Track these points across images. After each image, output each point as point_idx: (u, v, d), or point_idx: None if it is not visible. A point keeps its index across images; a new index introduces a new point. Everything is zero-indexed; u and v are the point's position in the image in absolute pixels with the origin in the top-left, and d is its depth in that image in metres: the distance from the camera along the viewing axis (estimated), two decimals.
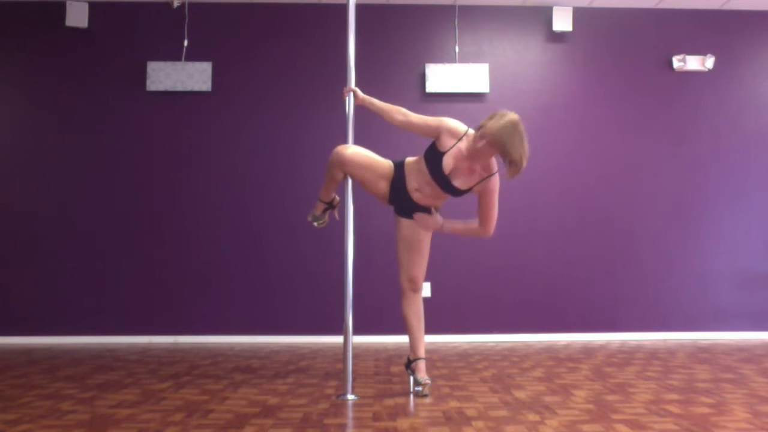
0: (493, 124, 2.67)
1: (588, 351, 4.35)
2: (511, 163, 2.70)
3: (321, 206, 3.24)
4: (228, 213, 5.07)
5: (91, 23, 5.11)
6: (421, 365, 2.99)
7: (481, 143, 2.70)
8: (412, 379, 2.99)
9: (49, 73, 5.13)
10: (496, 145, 2.67)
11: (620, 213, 5.17)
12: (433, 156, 2.84)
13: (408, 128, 2.97)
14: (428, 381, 2.90)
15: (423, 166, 2.87)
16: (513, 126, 2.66)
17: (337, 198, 3.27)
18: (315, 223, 3.27)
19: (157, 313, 4.96)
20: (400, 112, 2.97)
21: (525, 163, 2.70)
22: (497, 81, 5.23)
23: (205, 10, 5.19)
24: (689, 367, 3.64)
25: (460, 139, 2.81)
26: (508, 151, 2.66)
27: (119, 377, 3.35)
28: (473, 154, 2.75)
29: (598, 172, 5.19)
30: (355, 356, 4.02)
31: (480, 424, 2.35)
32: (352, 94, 3.08)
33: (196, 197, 5.08)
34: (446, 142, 2.82)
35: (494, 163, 2.86)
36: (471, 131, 2.82)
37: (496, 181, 2.85)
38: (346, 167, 2.99)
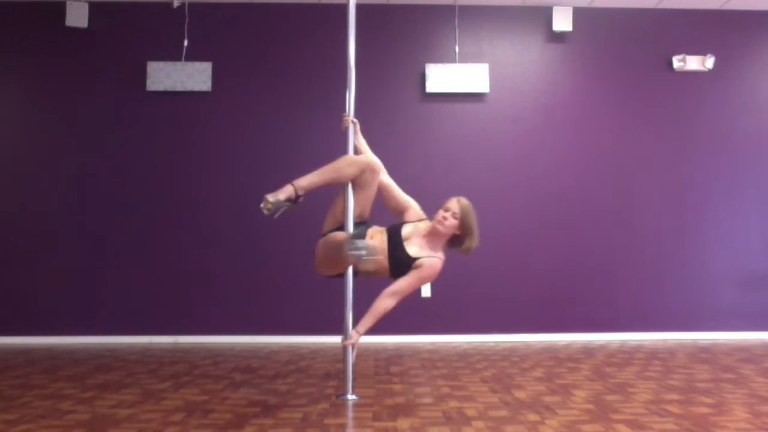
0: (457, 205, 2.95)
1: (588, 351, 4.35)
2: (468, 237, 2.95)
3: (290, 192, 2.95)
4: (228, 212, 5.07)
5: (91, 23, 5.11)
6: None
7: (448, 221, 2.90)
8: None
9: (49, 73, 5.13)
10: (461, 221, 2.93)
11: (620, 213, 5.17)
12: (395, 225, 3.00)
13: (382, 189, 3.05)
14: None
15: (384, 230, 2.97)
16: (471, 207, 3.00)
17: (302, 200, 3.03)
18: (268, 208, 2.89)
19: (157, 313, 4.96)
20: (382, 169, 3.06)
21: (477, 242, 2.99)
22: (497, 81, 5.23)
23: (205, 10, 5.19)
24: (689, 367, 3.64)
25: (421, 220, 3.02)
26: (470, 226, 2.95)
27: (119, 377, 3.35)
28: (434, 232, 2.92)
29: (598, 172, 5.19)
30: (355, 354, 4.02)
31: (480, 424, 2.35)
32: (352, 126, 3.08)
33: (196, 197, 5.08)
34: (410, 217, 3.05)
35: (442, 250, 2.99)
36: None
37: (437, 265, 2.93)
38: (372, 173, 2.93)
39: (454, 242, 2.99)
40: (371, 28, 5.17)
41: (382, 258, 2.90)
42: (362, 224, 2.99)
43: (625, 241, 5.14)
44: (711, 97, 5.27)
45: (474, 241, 2.96)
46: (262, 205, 2.87)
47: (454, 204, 2.95)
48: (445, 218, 2.91)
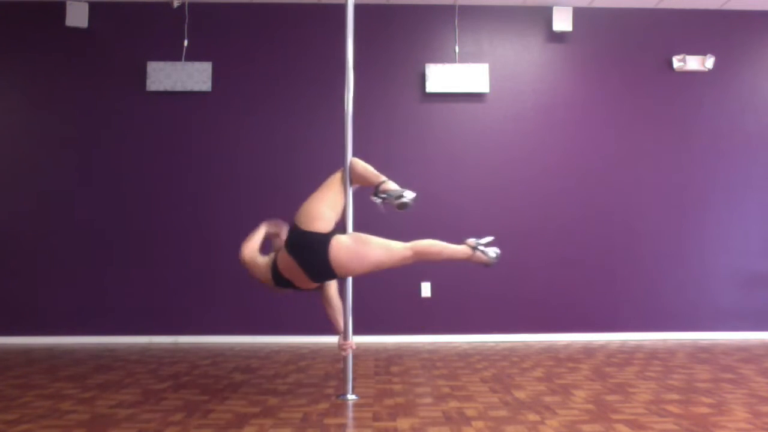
0: None
1: (588, 351, 4.35)
2: None
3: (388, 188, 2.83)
4: (227, 212, 5.07)
5: (91, 23, 5.12)
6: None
7: None
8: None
9: (49, 73, 5.13)
10: None
11: (620, 213, 5.17)
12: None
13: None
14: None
15: None
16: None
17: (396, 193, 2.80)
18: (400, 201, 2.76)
19: (157, 313, 4.97)
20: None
21: None
22: (497, 81, 5.23)
23: (205, 10, 5.19)
24: (689, 367, 3.64)
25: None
26: None
27: (119, 377, 3.35)
28: None
29: (598, 172, 5.19)
30: (355, 356, 4.02)
31: (480, 424, 2.35)
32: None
33: (196, 197, 5.08)
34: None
35: None
36: None
37: None
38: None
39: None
40: (371, 28, 5.18)
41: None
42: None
43: (625, 240, 5.14)
44: (711, 97, 5.28)
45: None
46: (409, 200, 2.76)
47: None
48: None
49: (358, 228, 2.98)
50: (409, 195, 2.73)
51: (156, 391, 2.98)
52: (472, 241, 2.89)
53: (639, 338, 5.02)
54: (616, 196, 5.18)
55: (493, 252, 2.88)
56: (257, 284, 4.98)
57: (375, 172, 2.90)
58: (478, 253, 2.86)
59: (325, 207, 2.82)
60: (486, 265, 2.91)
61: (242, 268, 4.97)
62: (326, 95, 5.12)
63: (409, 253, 2.75)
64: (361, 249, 2.71)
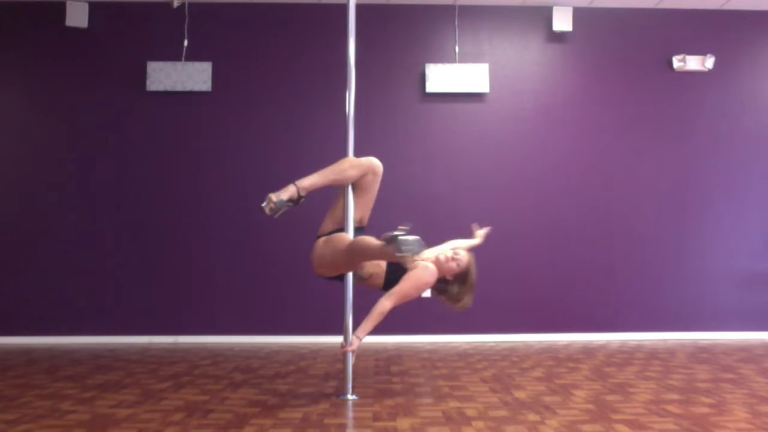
0: (466, 257, 3.07)
1: (588, 351, 4.35)
2: (468, 293, 3.12)
3: (292, 192, 2.85)
4: (228, 213, 5.07)
5: (91, 23, 5.12)
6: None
7: (450, 263, 2.97)
8: None
9: (49, 73, 5.13)
10: (462, 272, 3.05)
11: (620, 213, 5.17)
12: None
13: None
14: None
15: None
16: (475, 266, 3.17)
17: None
18: (270, 207, 2.76)
19: (157, 313, 4.96)
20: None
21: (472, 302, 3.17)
22: (497, 81, 5.23)
23: (205, 10, 5.19)
24: (689, 367, 3.64)
25: None
26: (472, 283, 3.14)
27: (119, 377, 3.35)
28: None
29: (598, 172, 5.19)
30: (355, 356, 4.02)
31: (480, 424, 2.35)
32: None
33: (196, 197, 5.08)
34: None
35: None
36: None
37: (432, 269, 2.93)
38: (374, 176, 2.91)
39: (441, 289, 3.02)
40: (371, 28, 5.18)
41: (380, 272, 2.98)
42: (360, 230, 2.96)
43: (625, 240, 5.14)
44: (711, 97, 5.27)
45: (471, 300, 3.10)
46: (264, 204, 2.78)
47: (464, 254, 3.02)
48: (450, 259, 2.92)
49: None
50: (280, 203, 2.74)
51: (156, 391, 2.98)
52: (387, 234, 2.40)
53: (639, 338, 5.01)
54: (616, 196, 5.18)
55: (402, 243, 2.30)
56: (258, 284, 5.00)
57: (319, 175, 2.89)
58: (390, 249, 2.37)
59: (328, 214, 3.01)
60: (402, 261, 2.41)
61: (242, 268, 5.01)
62: (326, 95, 5.12)
63: (346, 251, 2.64)
64: (322, 249, 2.82)
